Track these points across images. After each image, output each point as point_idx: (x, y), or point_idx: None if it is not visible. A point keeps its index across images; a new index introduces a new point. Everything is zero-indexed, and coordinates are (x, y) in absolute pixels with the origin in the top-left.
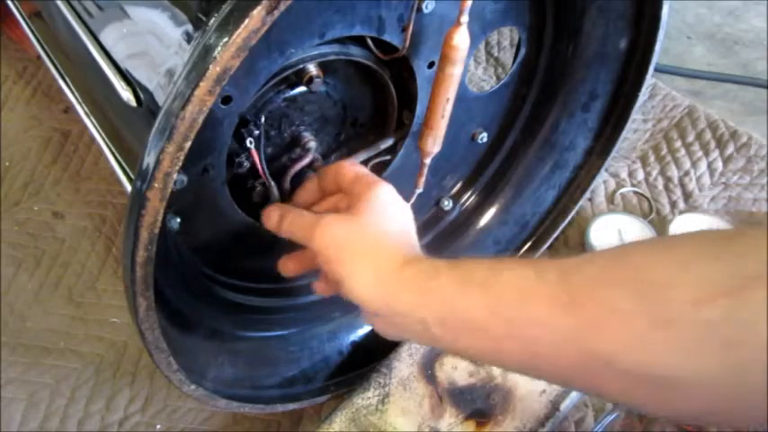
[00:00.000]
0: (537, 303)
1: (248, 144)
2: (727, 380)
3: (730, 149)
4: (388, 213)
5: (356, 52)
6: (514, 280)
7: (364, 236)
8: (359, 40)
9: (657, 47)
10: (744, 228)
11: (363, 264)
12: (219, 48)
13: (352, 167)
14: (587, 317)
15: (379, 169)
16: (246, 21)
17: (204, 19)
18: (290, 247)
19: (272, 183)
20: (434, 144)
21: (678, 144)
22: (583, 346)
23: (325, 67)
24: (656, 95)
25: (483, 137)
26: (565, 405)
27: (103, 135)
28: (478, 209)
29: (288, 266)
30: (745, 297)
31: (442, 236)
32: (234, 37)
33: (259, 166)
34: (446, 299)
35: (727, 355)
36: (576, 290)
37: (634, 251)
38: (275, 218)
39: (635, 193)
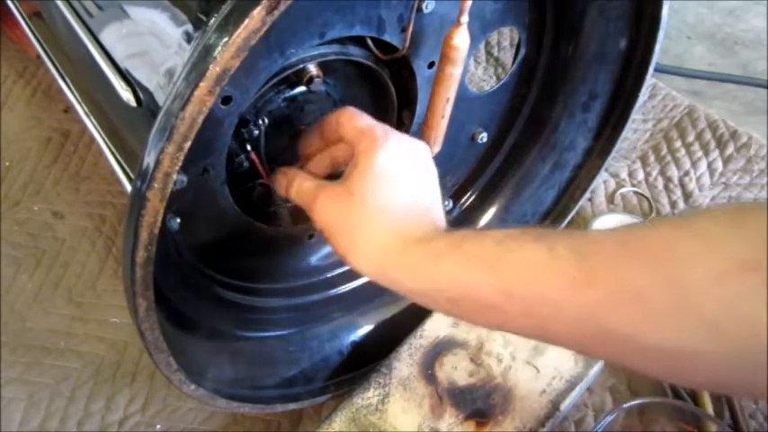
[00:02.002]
0: (550, 283)
1: (248, 147)
2: (749, 354)
3: (730, 149)
4: (390, 181)
5: (356, 52)
6: (526, 258)
7: (362, 214)
8: (359, 40)
9: (657, 47)
10: (761, 202)
11: (363, 243)
12: (219, 48)
13: (353, 120)
14: (604, 295)
15: None
16: (246, 21)
17: (204, 19)
18: (291, 246)
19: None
20: (435, 144)
21: (678, 144)
22: (601, 324)
23: (325, 66)
24: (656, 95)
25: (483, 137)
26: (565, 405)
27: (103, 135)
28: (478, 209)
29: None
30: (766, 272)
31: None
32: (234, 37)
33: (260, 168)
34: (454, 280)
35: (750, 329)
36: (592, 267)
37: (652, 227)
38: (283, 183)
39: (635, 193)
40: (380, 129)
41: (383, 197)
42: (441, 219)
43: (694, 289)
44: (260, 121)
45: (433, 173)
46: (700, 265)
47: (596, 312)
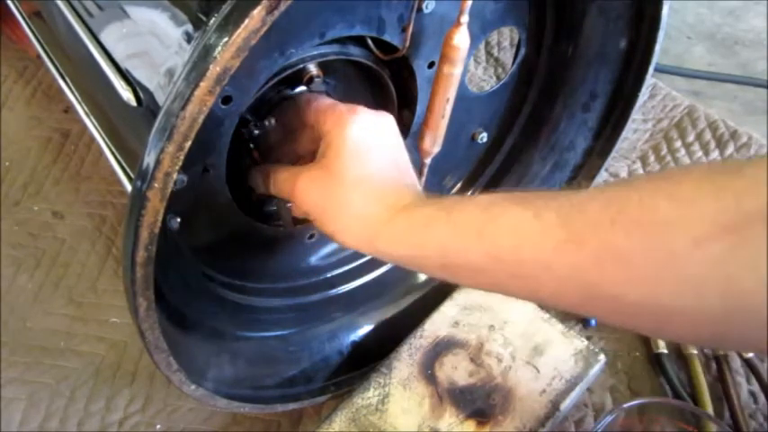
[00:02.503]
0: (536, 246)
1: (248, 147)
2: (729, 311)
3: (730, 149)
4: (366, 153)
5: (356, 52)
6: (513, 224)
7: (344, 190)
8: (359, 40)
9: (657, 47)
10: (743, 162)
11: (349, 218)
12: (220, 48)
13: (312, 103)
14: (590, 256)
15: None
16: (247, 21)
17: (204, 19)
18: (292, 246)
19: None
20: (434, 144)
21: (678, 144)
22: (587, 283)
23: (325, 66)
24: (656, 95)
25: (483, 137)
26: (565, 405)
27: (103, 135)
28: None
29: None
30: (744, 234)
31: None
32: (234, 37)
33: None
34: (442, 247)
35: (729, 288)
36: (577, 230)
37: (634, 189)
38: (260, 181)
39: None
40: (343, 105)
41: (362, 169)
42: (416, 184)
43: (675, 252)
44: (260, 121)
45: (400, 140)
46: (680, 229)
47: (583, 272)
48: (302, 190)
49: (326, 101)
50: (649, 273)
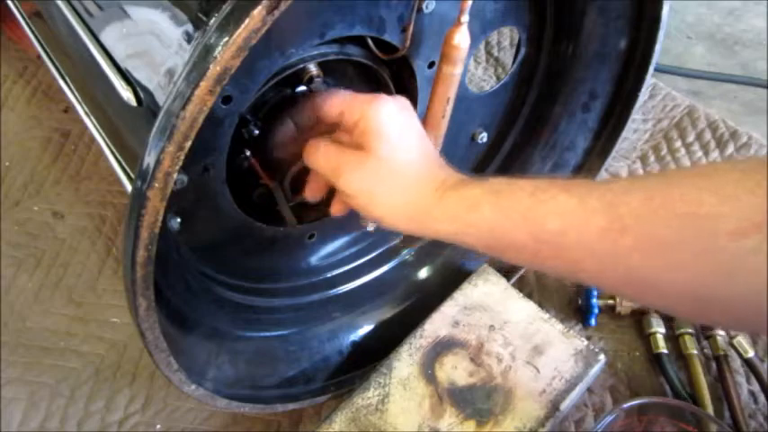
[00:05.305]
0: (581, 231)
1: (248, 147)
2: (757, 300)
3: (730, 149)
4: (405, 137)
5: (356, 52)
6: (559, 209)
7: (394, 173)
8: (359, 40)
9: (657, 47)
10: None
11: (397, 201)
12: (220, 47)
13: (333, 101)
14: (632, 243)
15: None
16: (247, 20)
17: (204, 19)
18: (291, 246)
19: (274, 184)
20: (434, 144)
21: (678, 144)
22: (625, 268)
23: (325, 66)
24: (656, 95)
25: (483, 137)
26: (565, 405)
27: (103, 135)
28: None
29: (336, 208)
30: None
31: None
32: (234, 37)
33: (259, 168)
34: (490, 228)
35: (758, 279)
36: (621, 218)
37: (677, 182)
38: (311, 152)
39: None
40: (362, 94)
41: (405, 151)
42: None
43: (714, 245)
44: (260, 121)
45: (419, 125)
46: (719, 223)
47: (624, 258)
48: (348, 174)
49: (345, 92)
50: (686, 261)
